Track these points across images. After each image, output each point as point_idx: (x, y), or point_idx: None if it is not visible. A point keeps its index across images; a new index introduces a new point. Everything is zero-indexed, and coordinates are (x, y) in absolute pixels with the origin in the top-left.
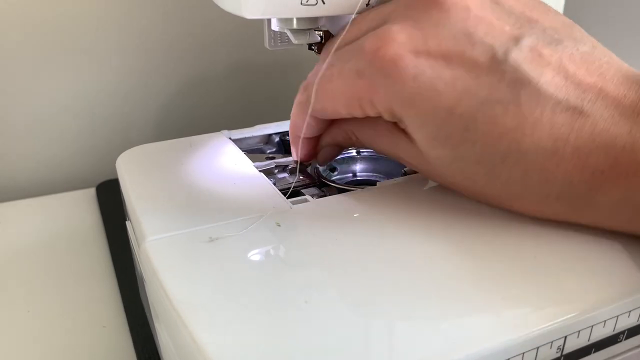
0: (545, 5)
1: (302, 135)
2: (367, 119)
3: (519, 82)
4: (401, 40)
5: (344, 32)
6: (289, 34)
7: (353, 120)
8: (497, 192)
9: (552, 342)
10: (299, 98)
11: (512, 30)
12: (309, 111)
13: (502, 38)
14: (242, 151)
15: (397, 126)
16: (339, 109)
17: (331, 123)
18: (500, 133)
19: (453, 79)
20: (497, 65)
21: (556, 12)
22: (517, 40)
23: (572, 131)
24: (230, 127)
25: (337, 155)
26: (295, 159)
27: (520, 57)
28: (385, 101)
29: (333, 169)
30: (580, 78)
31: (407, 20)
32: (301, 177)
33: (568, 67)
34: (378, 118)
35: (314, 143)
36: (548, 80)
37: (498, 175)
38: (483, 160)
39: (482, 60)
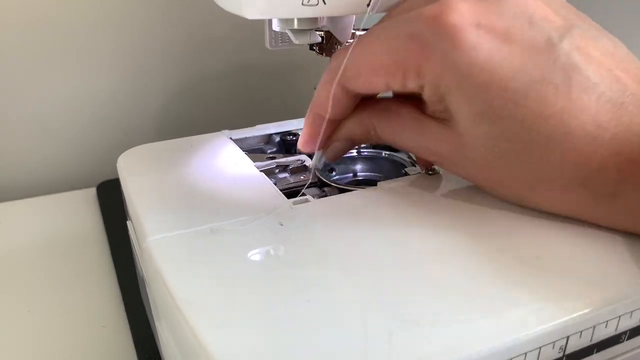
0: (579, 11)
1: (324, 111)
2: (390, 110)
3: (571, 68)
4: (464, 10)
5: (396, 6)
6: (289, 34)
7: (373, 111)
8: (525, 174)
9: (554, 342)
10: (328, 67)
11: (563, 21)
12: (337, 78)
13: (557, 25)
14: (243, 151)
15: (423, 113)
16: (377, 75)
17: (349, 116)
18: (549, 113)
19: (510, 55)
20: (552, 48)
21: (589, 18)
22: (569, 29)
23: (612, 119)
24: (231, 127)
25: (345, 153)
26: (305, 148)
27: (572, 44)
28: (438, 68)
29: (331, 170)
30: (619, 74)
31: None
32: (302, 177)
33: (609, 63)
34: (401, 108)
35: (331, 129)
36: (595, 70)
37: (535, 156)
38: (525, 138)
39: (539, 41)
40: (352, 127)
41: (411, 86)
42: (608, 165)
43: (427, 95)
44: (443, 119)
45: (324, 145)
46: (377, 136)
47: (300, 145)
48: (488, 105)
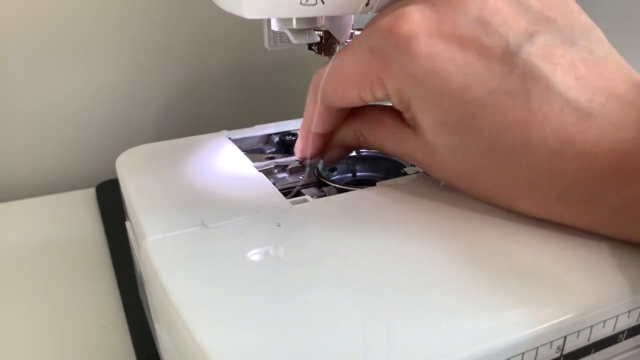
0: (570, 4)
1: (313, 128)
2: (374, 118)
3: (529, 77)
4: (416, 19)
5: (366, 24)
6: (288, 33)
7: (361, 119)
8: (499, 188)
9: (551, 342)
10: (310, 85)
11: (527, 25)
12: (319, 96)
13: (516, 31)
14: (242, 151)
15: (403, 121)
16: (349, 90)
17: (342, 122)
18: (507, 125)
19: (465, 64)
20: (509, 57)
21: (580, 12)
22: (531, 35)
23: (578, 132)
24: (230, 127)
25: (344, 157)
26: (299, 156)
27: (532, 52)
28: (396, 79)
29: (332, 169)
30: (591, 81)
31: (425, 3)
32: (301, 177)
33: (579, 69)
34: (385, 115)
35: (323, 141)
36: (559, 79)
37: (502, 170)
38: (488, 152)
39: (495, 50)
40: (344, 136)
41: (380, 96)
42: (576, 183)
43: (394, 104)
44: (413, 127)
45: (319, 153)
46: (365, 142)
47: (299, 153)
48: (446, 116)
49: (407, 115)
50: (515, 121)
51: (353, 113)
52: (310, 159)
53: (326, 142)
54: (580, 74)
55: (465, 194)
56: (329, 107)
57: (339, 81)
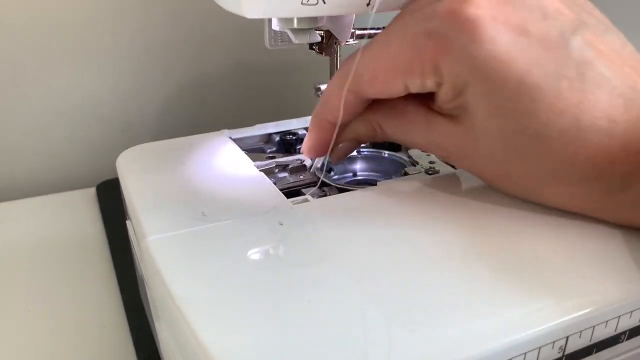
0: (590, 3)
1: (331, 118)
2: (395, 108)
3: (582, 62)
4: (481, 3)
5: (407, 5)
6: (289, 33)
7: (378, 110)
8: (537, 169)
9: (554, 342)
10: (338, 73)
11: (574, 15)
12: (348, 84)
13: (568, 19)
14: (243, 150)
15: (430, 110)
16: (395, 77)
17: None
18: (563, 108)
19: (526, 48)
20: (564, 42)
21: (599, 11)
22: (579, 24)
23: (624, 113)
24: (230, 127)
25: (350, 153)
26: (310, 153)
27: (584, 39)
28: (456, 63)
29: (329, 170)
30: (628, 69)
31: None
32: (301, 177)
33: (617, 59)
34: (408, 105)
35: (335, 134)
36: (606, 65)
37: (548, 150)
38: (539, 136)
39: (552, 35)
40: (357, 127)
41: (429, 85)
42: (619, 159)
43: (444, 91)
44: (452, 115)
45: (327, 149)
46: (383, 134)
47: (305, 151)
48: (505, 99)
49: (452, 104)
50: (572, 104)
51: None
52: (321, 155)
53: (337, 136)
54: (619, 63)
55: (465, 194)
56: (359, 96)
57: (381, 68)
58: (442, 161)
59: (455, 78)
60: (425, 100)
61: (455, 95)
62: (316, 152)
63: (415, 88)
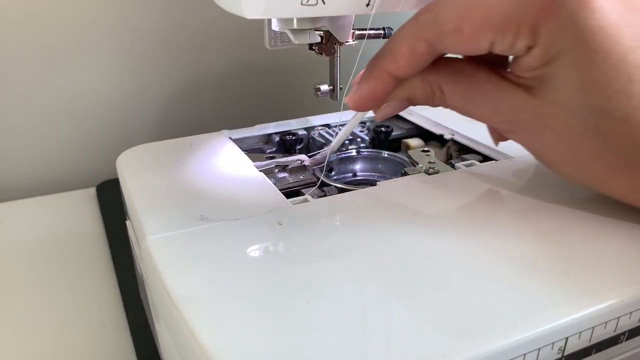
0: None
1: (391, 67)
2: (462, 72)
3: None
4: None
5: None
6: (289, 34)
7: (442, 71)
8: (614, 156)
9: (553, 343)
10: (415, 18)
11: None
12: (424, 33)
13: None
14: (242, 151)
15: (503, 78)
16: (484, 32)
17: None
18: None
19: (634, 25)
20: None
21: None
22: None
23: None
24: (230, 127)
25: (398, 113)
26: (356, 102)
27: None
28: (559, 29)
29: (330, 169)
30: None
31: None
32: (301, 177)
33: None
34: (478, 70)
35: (391, 88)
36: None
37: (630, 135)
38: (627, 115)
39: None
40: (414, 87)
41: (519, 47)
42: None
43: (532, 57)
44: (528, 87)
45: (377, 103)
46: (442, 99)
47: (353, 102)
48: (601, 74)
49: (537, 72)
50: None
51: (431, 63)
52: (367, 110)
53: (389, 92)
54: None
55: (465, 194)
56: (433, 49)
57: (472, 19)
58: (504, 135)
59: (551, 45)
60: (493, 68)
61: (542, 63)
62: (364, 105)
63: (501, 48)
